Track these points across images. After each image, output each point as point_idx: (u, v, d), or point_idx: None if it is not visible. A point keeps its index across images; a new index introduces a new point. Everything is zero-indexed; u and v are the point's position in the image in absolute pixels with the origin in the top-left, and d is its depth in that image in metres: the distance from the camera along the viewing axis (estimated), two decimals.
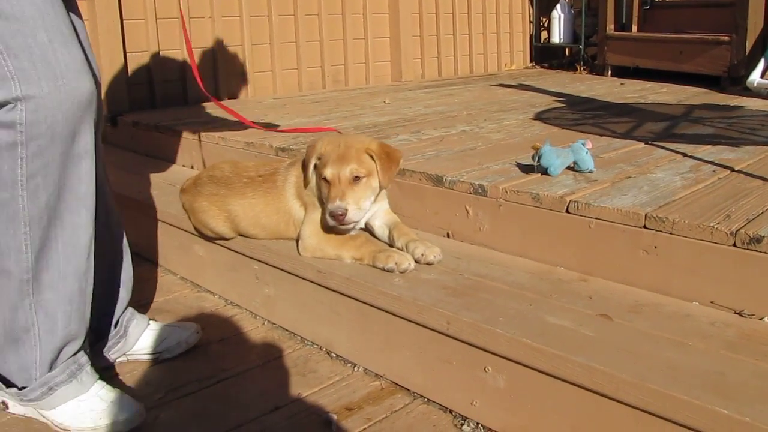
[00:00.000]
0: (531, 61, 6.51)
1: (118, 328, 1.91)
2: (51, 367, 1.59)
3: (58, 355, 1.60)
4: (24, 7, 1.40)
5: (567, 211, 1.85)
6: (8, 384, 1.63)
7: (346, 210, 1.84)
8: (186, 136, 3.23)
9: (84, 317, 1.63)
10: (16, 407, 1.66)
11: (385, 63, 5.36)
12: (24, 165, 1.46)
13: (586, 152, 2.14)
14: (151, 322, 1.98)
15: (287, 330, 2.12)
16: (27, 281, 1.52)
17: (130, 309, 1.94)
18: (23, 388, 1.60)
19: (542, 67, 6.39)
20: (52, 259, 1.54)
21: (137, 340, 1.92)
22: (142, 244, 2.64)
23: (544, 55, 6.55)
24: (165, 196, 2.69)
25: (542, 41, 6.53)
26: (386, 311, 1.76)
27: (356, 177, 1.88)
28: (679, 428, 1.28)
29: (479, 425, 1.64)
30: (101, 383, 1.66)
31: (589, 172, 2.13)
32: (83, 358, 1.65)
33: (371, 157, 1.92)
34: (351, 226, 1.94)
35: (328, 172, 1.88)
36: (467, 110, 3.62)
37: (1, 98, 1.40)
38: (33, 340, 1.57)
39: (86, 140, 1.52)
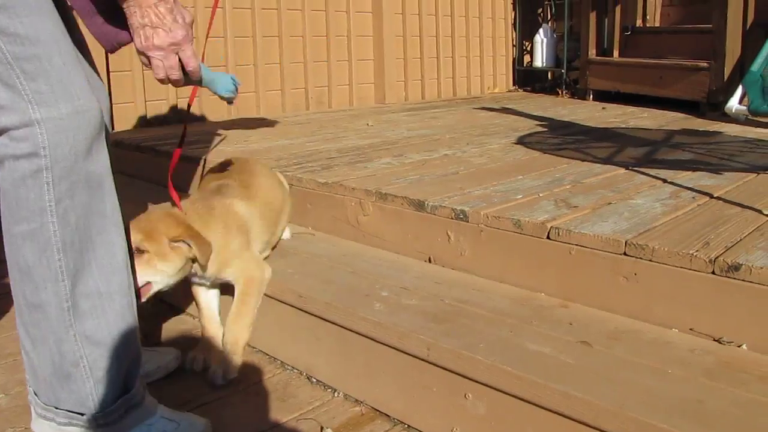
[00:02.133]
0: (514, 85, 6.57)
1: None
2: (125, 391, 1.56)
3: (123, 378, 1.56)
4: (39, 31, 1.40)
5: (548, 237, 1.86)
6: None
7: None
8: (166, 156, 3.21)
9: (137, 333, 1.60)
10: None
11: (369, 85, 5.38)
12: (51, 190, 1.43)
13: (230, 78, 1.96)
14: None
15: (267, 354, 2.10)
16: (67, 310, 1.47)
17: None
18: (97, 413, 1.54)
19: (525, 90, 6.44)
20: (88, 285, 1.50)
21: None
22: None
23: (526, 78, 6.61)
24: None
25: (525, 65, 6.59)
26: (367, 336, 1.75)
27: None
28: None
29: None
30: (163, 409, 1.65)
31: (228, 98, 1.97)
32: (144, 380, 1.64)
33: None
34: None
35: None
36: (450, 134, 3.63)
37: (17, 122, 1.39)
38: (84, 373, 1.51)
39: (104, 158, 1.52)
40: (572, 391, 1.38)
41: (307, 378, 1.98)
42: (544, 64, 6.30)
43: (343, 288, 1.93)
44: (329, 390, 1.91)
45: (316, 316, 1.88)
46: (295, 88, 4.87)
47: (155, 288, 1.80)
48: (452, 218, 2.05)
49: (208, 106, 4.40)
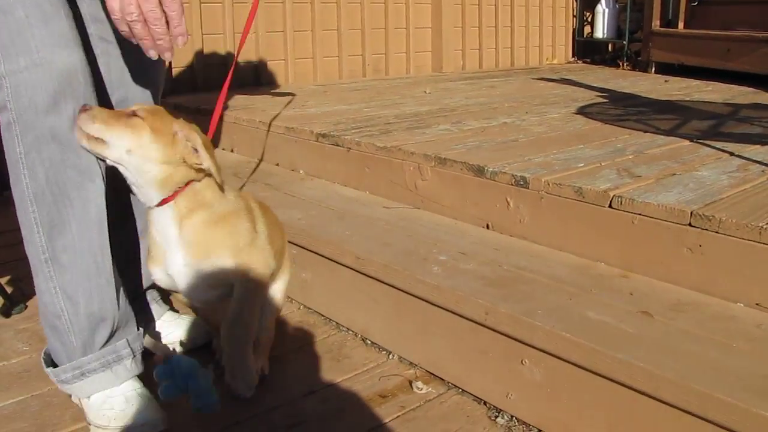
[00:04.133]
0: (573, 56, 6.44)
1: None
2: (84, 352, 1.56)
3: (91, 339, 1.56)
4: None
5: (610, 206, 1.83)
6: None
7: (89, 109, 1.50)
8: (226, 119, 3.24)
9: (109, 297, 1.56)
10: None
11: (426, 53, 5.33)
12: (20, 143, 1.47)
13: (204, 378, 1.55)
14: (179, 314, 1.99)
15: (323, 315, 2.12)
16: (45, 262, 1.51)
17: (152, 294, 1.95)
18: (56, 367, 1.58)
19: (584, 62, 6.31)
20: (67, 239, 1.51)
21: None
22: None
23: (586, 50, 6.47)
24: None
25: (585, 36, 6.45)
26: (424, 299, 1.75)
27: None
28: (720, 431, 1.26)
29: (513, 418, 1.62)
30: (135, 383, 1.61)
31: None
32: (125, 350, 1.60)
33: None
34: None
35: None
36: (509, 102, 3.59)
37: None
38: (66, 326, 1.54)
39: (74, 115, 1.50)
40: (633, 360, 1.36)
41: (362, 340, 1.99)
42: (605, 36, 6.16)
43: (401, 251, 1.93)
44: (384, 352, 1.92)
45: (373, 278, 1.88)
46: (352, 54, 4.85)
47: (116, 154, 1.49)
48: (512, 184, 2.02)
49: (264, 71, 4.42)
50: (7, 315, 2.15)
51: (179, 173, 1.51)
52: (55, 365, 1.59)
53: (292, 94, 3.75)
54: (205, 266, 1.57)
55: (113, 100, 1.73)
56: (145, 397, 1.59)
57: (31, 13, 1.44)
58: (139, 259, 1.85)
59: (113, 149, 1.48)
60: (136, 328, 1.66)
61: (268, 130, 2.97)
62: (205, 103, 3.48)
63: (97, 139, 1.48)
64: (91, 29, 1.68)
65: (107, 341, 1.58)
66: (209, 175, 1.54)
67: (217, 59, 4.20)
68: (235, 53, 1.70)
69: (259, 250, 1.64)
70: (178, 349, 1.90)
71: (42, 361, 1.63)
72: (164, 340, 1.93)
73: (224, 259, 1.58)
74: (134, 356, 1.62)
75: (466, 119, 3.03)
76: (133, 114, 1.50)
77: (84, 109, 1.48)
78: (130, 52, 1.67)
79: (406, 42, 5.18)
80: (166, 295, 1.97)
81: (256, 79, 4.38)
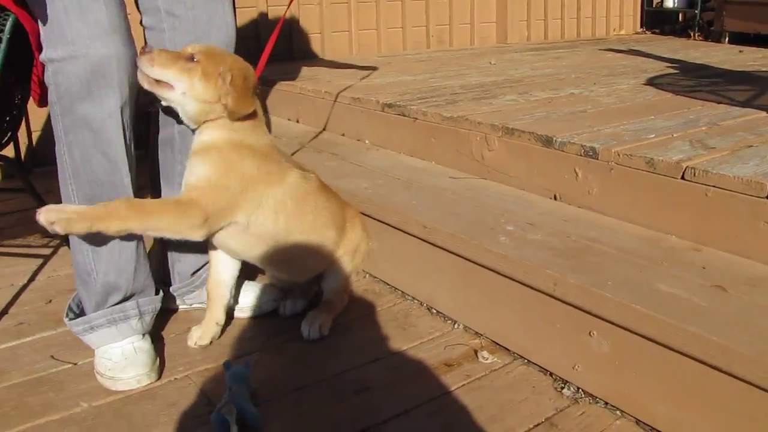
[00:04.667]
0: (641, 26, 6.27)
1: (194, 278, 1.98)
2: (96, 309, 1.71)
3: (103, 300, 1.71)
4: None
5: (682, 178, 1.79)
6: None
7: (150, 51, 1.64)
8: (291, 89, 3.27)
9: (126, 272, 1.71)
10: None
11: (491, 24, 5.26)
12: (60, 122, 1.62)
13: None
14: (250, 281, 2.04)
15: (388, 284, 2.14)
16: None
17: None
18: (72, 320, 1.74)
19: (653, 32, 6.14)
20: None
21: None
22: None
23: (655, 19, 6.29)
24: None
25: (654, 5, 6.27)
26: (491, 269, 1.75)
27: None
28: None
29: (580, 389, 1.62)
30: (137, 339, 1.74)
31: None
32: (132, 310, 1.73)
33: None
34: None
35: None
36: (576, 73, 3.52)
37: (42, 57, 1.60)
38: (93, 283, 1.70)
39: (110, 104, 1.60)
40: (706, 334, 1.33)
41: (428, 309, 2.00)
42: (676, 5, 5.97)
43: (468, 221, 1.93)
44: (449, 321, 1.93)
45: (439, 247, 1.89)
46: (416, 26, 4.82)
47: (173, 96, 1.66)
48: (581, 155, 1.99)
49: (329, 42, 4.43)
50: None
51: (216, 110, 1.68)
52: (76, 316, 1.75)
53: (358, 66, 3.75)
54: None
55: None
56: (143, 352, 1.71)
57: (69, 5, 1.53)
58: None
59: (170, 92, 1.65)
60: (153, 293, 1.79)
61: (335, 101, 2.99)
62: (272, 73, 3.51)
63: (157, 81, 1.63)
64: (159, 2, 1.73)
65: (117, 303, 1.73)
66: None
67: (282, 30, 4.22)
68: (281, 19, 1.79)
69: (217, 191, 1.66)
70: (249, 314, 1.97)
71: (66, 312, 1.77)
72: (237, 306, 1.99)
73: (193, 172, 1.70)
74: (141, 317, 1.74)
75: (533, 90, 2.99)
76: (191, 57, 1.64)
77: (143, 51, 1.60)
78: (196, 26, 1.73)
79: (471, 13, 5.11)
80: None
81: (321, 49, 4.40)
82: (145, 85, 1.64)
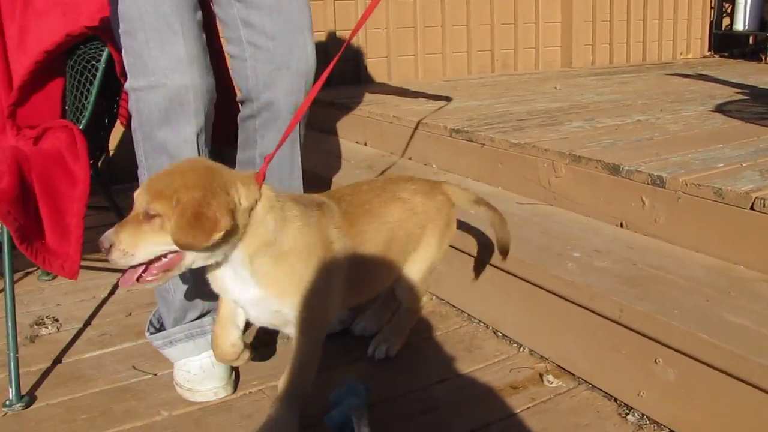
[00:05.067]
0: (709, 50, 6.20)
1: None
2: (175, 325, 1.82)
3: (182, 316, 1.82)
4: (130, 9, 1.62)
5: (752, 208, 1.79)
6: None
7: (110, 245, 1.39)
8: (360, 113, 3.36)
9: (198, 293, 1.81)
10: None
11: (556, 48, 5.29)
12: (140, 148, 1.73)
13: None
14: None
15: (455, 306, 2.19)
16: None
17: None
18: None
19: (722, 56, 6.07)
20: None
21: None
22: None
23: (723, 43, 6.21)
24: (338, 170, 2.83)
25: (723, 28, 6.20)
26: (557, 295, 1.79)
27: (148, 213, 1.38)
28: None
29: (645, 416, 1.63)
30: (212, 355, 1.74)
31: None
32: (209, 326, 1.80)
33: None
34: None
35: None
36: (642, 99, 3.53)
37: (126, 86, 1.71)
38: (171, 300, 1.81)
39: (186, 131, 1.69)
40: None
41: (493, 332, 2.05)
42: (746, 28, 5.89)
43: (535, 246, 1.97)
44: (515, 345, 1.97)
45: (507, 272, 1.93)
46: (481, 50, 4.88)
47: (187, 261, 1.43)
48: (648, 183, 2.02)
49: (395, 66, 4.52)
50: None
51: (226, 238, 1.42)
52: (156, 330, 1.86)
53: (428, 95, 3.81)
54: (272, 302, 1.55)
55: (258, 103, 1.90)
56: (219, 366, 1.78)
57: (151, 38, 1.64)
58: None
59: (178, 263, 1.43)
60: None
61: (403, 126, 3.06)
62: (340, 97, 3.61)
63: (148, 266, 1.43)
64: (242, 33, 1.83)
65: (195, 319, 1.83)
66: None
67: (349, 54, 4.34)
68: (342, 46, 1.78)
69: (315, 310, 1.56)
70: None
71: (147, 327, 1.88)
72: None
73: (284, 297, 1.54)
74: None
75: (599, 116, 3.02)
76: (147, 215, 1.38)
77: (102, 247, 1.40)
78: (276, 55, 1.82)
79: (536, 37, 5.15)
80: None
81: (387, 73, 4.50)
82: (149, 281, 1.44)
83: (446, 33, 4.70)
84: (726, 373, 1.44)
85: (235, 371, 1.85)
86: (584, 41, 5.35)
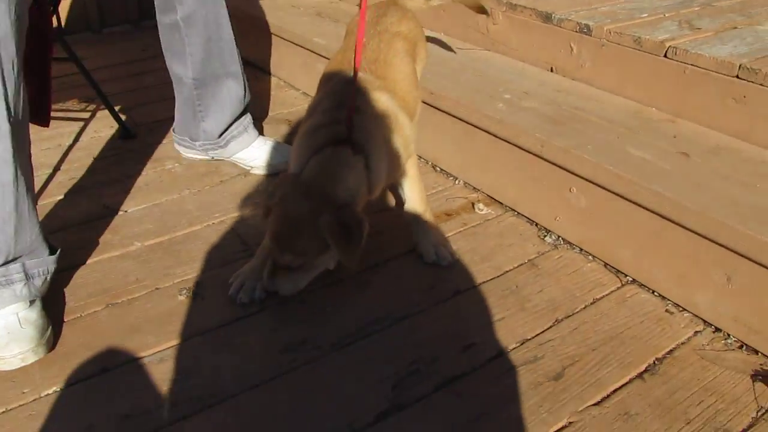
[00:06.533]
0: None
1: (219, 139, 2.21)
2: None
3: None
4: None
5: (665, 56, 1.98)
6: None
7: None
8: None
9: (3, 231, 1.45)
10: None
11: None
12: None
13: None
14: (266, 140, 2.26)
15: None
16: None
17: (245, 120, 2.23)
18: None
19: None
20: None
21: (236, 152, 2.23)
22: (265, 61, 2.92)
23: None
24: (290, 17, 2.92)
25: None
26: (488, 132, 1.99)
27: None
28: (732, 254, 1.48)
29: (560, 237, 1.89)
30: (22, 309, 1.51)
31: None
32: (17, 274, 1.50)
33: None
34: None
35: None
36: None
37: None
38: None
39: None
40: (664, 192, 1.58)
41: (432, 166, 2.25)
42: None
43: (471, 89, 2.15)
44: (451, 178, 2.19)
45: (444, 111, 2.12)
46: None
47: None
48: (576, 31, 2.18)
49: None
50: (127, 137, 2.49)
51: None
52: None
53: None
54: None
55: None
56: (29, 324, 1.49)
57: None
58: (238, 105, 2.19)
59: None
60: (46, 253, 1.56)
61: None
62: None
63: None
64: None
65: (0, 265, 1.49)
66: None
67: None
68: None
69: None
70: (263, 172, 2.22)
71: None
72: (252, 164, 2.23)
73: None
74: (28, 281, 1.52)
75: None
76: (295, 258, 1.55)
77: (272, 286, 1.58)
78: None
79: None
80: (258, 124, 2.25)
81: None
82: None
83: None
84: (626, 199, 1.67)
85: (51, 327, 1.54)
86: None
